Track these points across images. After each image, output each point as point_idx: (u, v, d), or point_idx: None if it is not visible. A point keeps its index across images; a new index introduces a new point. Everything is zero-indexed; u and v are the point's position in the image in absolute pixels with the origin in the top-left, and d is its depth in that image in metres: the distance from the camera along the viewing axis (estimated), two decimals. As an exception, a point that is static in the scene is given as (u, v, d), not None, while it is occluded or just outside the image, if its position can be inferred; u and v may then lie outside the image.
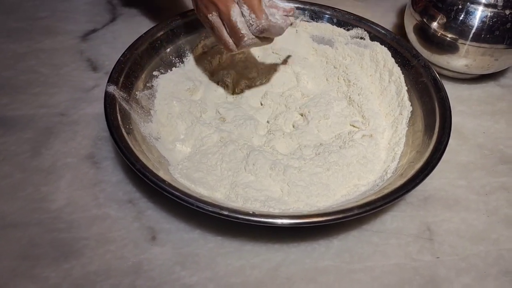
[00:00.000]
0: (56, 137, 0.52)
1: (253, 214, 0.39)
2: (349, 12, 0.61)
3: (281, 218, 0.39)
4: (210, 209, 0.39)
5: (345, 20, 0.61)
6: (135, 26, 0.68)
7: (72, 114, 0.55)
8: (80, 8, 0.72)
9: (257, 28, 0.46)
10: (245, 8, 0.46)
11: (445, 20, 0.57)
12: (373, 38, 0.59)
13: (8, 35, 0.66)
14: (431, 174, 0.43)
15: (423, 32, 0.60)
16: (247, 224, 0.41)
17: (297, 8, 0.62)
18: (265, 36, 0.48)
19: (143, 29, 0.65)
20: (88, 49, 0.64)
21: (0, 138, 0.52)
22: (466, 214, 0.47)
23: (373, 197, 0.41)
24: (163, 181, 0.41)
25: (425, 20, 0.59)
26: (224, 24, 0.48)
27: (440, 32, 0.58)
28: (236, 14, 0.46)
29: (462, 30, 0.56)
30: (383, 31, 0.58)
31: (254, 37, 0.47)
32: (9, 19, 0.68)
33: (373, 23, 0.59)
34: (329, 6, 0.62)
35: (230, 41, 0.48)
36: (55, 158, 0.50)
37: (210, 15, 0.48)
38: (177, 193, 0.40)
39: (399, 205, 0.48)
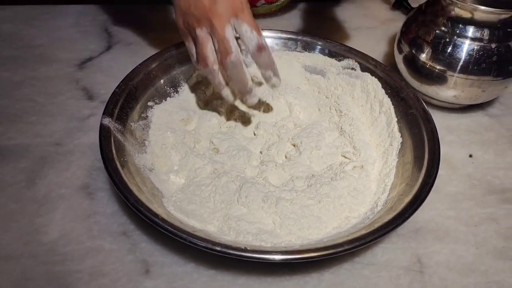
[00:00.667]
0: (50, 167, 0.53)
1: (245, 250, 0.40)
2: (341, 43, 0.63)
3: (273, 254, 0.40)
4: (203, 244, 0.40)
5: (336, 51, 0.62)
6: (131, 54, 0.69)
7: (67, 144, 0.56)
8: (76, 36, 0.73)
9: (257, 43, 0.47)
10: (245, 26, 0.47)
11: (433, 52, 0.59)
12: (364, 69, 0.60)
13: (3, 63, 0.66)
14: (421, 207, 0.44)
15: (412, 63, 0.62)
16: (234, 259, 0.41)
17: (290, 38, 0.64)
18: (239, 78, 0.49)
19: (138, 57, 0.66)
20: (84, 78, 0.65)
21: (-5, 168, 0.52)
22: (456, 246, 0.48)
23: (364, 232, 0.42)
24: (157, 215, 0.41)
25: (414, 52, 0.61)
26: (212, 40, 0.48)
27: (429, 63, 0.60)
28: (230, 31, 0.47)
29: (450, 62, 0.58)
30: (373, 62, 0.60)
31: (240, 59, 0.48)
32: (5, 47, 0.69)
33: (363, 54, 0.61)
34: (321, 37, 0.63)
35: (211, 56, 0.48)
36: (49, 189, 0.51)
37: (200, 29, 0.48)
38: (170, 228, 0.41)
39: (390, 237, 0.48)
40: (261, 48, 0.48)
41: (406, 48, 0.62)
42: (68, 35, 0.73)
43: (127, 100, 0.53)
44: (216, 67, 0.49)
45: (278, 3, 0.77)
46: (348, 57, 0.61)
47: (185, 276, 0.44)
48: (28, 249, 0.45)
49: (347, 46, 0.62)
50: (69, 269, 0.44)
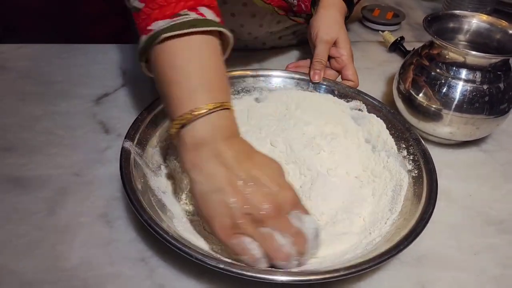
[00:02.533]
0: (71, 196, 0.55)
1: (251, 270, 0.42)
2: (349, 86, 0.68)
3: (282, 275, 0.42)
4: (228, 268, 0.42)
5: (345, 93, 0.67)
6: (144, 91, 0.73)
7: (86, 175, 0.58)
8: (93, 73, 0.77)
9: (317, 230, 0.45)
10: (304, 215, 0.45)
11: (429, 92, 0.63)
12: (370, 110, 0.64)
13: (25, 98, 0.70)
14: (423, 234, 0.47)
15: (409, 101, 0.66)
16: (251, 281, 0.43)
17: (303, 79, 0.68)
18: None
19: (151, 94, 0.71)
20: (100, 112, 0.69)
21: (17, 197, 0.55)
22: (457, 274, 0.50)
23: (361, 260, 0.44)
24: (176, 239, 0.44)
25: (411, 91, 0.65)
26: (282, 236, 0.43)
27: (426, 102, 0.64)
28: (294, 223, 0.44)
29: (445, 102, 0.62)
30: (379, 104, 0.64)
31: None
32: (26, 83, 0.73)
33: (370, 96, 0.65)
34: (330, 79, 0.68)
35: (291, 250, 0.43)
36: (70, 217, 0.53)
37: (263, 228, 0.43)
38: (191, 252, 0.43)
39: (395, 264, 0.51)
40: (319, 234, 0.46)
41: (403, 88, 0.67)
42: (85, 72, 0.77)
43: (147, 127, 0.57)
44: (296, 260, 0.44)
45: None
46: (355, 99, 0.66)
47: (201, 300, 0.46)
48: (50, 276, 0.47)
49: (355, 88, 0.67)
50: (89, 294, 0.46)
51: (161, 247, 0.50)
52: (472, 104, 0.61)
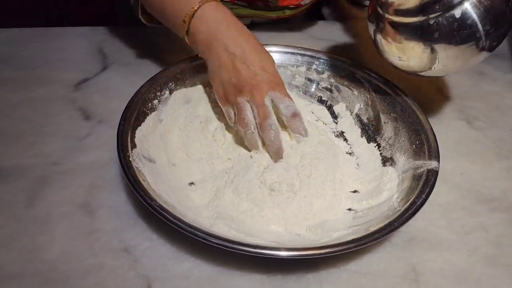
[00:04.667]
0: (50, 186, 0.54)
1: (244, 244, 0.42)
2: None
3: (272, 250, 0.43)
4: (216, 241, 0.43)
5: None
6: (126, 75, 0.71)
7: (66, 163, 0.56)
8: (73, 57, 0.74)
9: (293, 111, 0.54)
10: (281, 96, 0.54)
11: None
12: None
13: (2, 84, 0.67)
14: (414, 217, 0.46)
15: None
16: (240, 254, 0.43)
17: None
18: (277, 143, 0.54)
19: (134, 77, 0.68)
20: (80, 98, 0.66)
21: (-5, 188, 0.53)
22: (449, 254, 0.50)
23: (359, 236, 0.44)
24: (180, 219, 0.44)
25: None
26: (251, 106, 0.54)
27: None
28: (268, 100, 0.54)
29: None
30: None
31: (276, 123, 0.54)
32: (2, 69, 0.70)
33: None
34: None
35: (251, 119, 0.54)
36: (49, 208, 0.51)
37: (240, 97, 0.54)
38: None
39: (385, 246, 0.50)
40: (296, 115, 0.55)
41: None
42: (64, 56, 0.74)
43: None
44: (255, 129, 0.54)
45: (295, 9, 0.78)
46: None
47: (187, 290, 0.45)
48: (30, 268, 0.46)
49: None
50: (71, 286, 0.44)
51: (145, 236, 0.49)
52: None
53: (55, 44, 0.77)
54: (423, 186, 0.49)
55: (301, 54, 0.67)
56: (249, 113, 0.54)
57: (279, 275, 0.46)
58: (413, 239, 0.51)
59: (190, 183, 0.54)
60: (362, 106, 0.63)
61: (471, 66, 0.56)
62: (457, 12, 0.50)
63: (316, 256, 0.43)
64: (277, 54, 0.66)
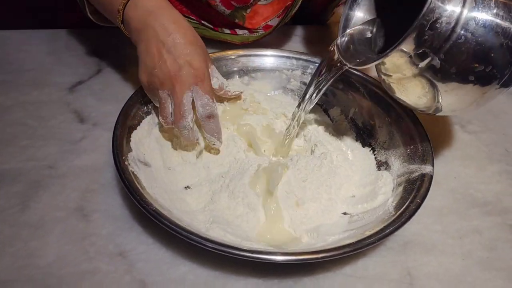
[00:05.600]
0: (44, 190, 0.53)
1: (240, 249, 0.42)
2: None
3: (261, 254, 0.42)
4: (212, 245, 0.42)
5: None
6: (121, 77, 0.70)
7: (61, 167, 0.56)
8: (66, 60, 0.73)
9: (209, 112, 0.53)
10: (201, 93, 0.52)
11: None
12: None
13: (-6, 88, 0.67)
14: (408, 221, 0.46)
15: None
16: (236, 258, 0.42)
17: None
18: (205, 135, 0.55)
19: (128, 80, 0.68)
20: (74, 101, 0.66)
21: (-12, 193, 0.52)
22: (443, 258, 0.50)
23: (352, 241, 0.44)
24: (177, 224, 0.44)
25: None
26: (171, 102, 0.53)
27: None
28: (187, 97, 0.52)
29: None
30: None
31: (191, 124, 0.53)
32: (-4, 72, 0.70)
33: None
34: None
35: (169, 117, 0.53)
36: (44, 212, 0.51)
37: (162, 91, 0.53)
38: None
39: (380, 250, 0.50)
40: (211, 116, 0.54)
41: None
42: (58, 59, 0.74)
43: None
44: (171, 126, 0.54)
45: (258, 34, 0.78)
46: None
47: (183, 295, 0.44)
48: (24, 273, 0.45)
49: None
50: (65, 292, 0.44)
51: (140, 240, 0.48)
52: None
53: (47, 46, 0.76)
54: (418, 190, 0.49)
55: (296, 58, 0.67)
56: (169, 109, 0.53)
57: (275, 279, 0.46)
58: (408, 243, 0.51)
59: (185, 187, 0.54)
60: (357, 110, 0.63)
61: (483, 103, 0.49)
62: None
63: (312, 261, 0.43)
64: (272, 58, 0.66)
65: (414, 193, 0.49)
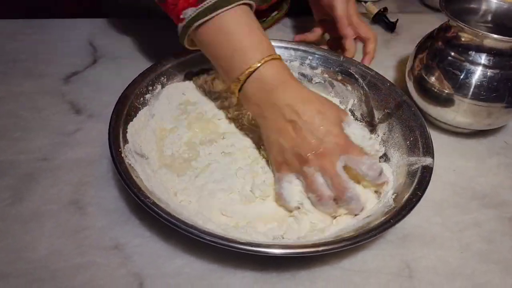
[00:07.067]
0: (37, 183, 0.52)
1: (238, 242, 0.41)
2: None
3: (263, 247, 0.42)
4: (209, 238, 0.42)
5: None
6: (117, 68, 0.69)
7: (54, 159, 0.55)
8: (61, 50, 0.72)
9: (378, 171, 0.49)
10: (357, 161, 0.48)
11: (443, 76, 0.59)
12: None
13: (-14, 78, 0.66)
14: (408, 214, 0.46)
15: (421, 85, 0.62)
16: (233, 251, 0.42)
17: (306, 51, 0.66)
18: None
19: (124, 71, 0.67)
20: (69, 92, 0.65)
21: (-20, 185, 0.51)
22: (442, 251, 0.49)
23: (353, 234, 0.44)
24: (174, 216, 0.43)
25: (423, 75, 0.61)
26: (322, 176, 0.48)
27: (438, 87, 0.59)
28: (340, 167, 0.47)
29: (460, 88, 0.58)
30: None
31: (356, 191, 0.48)
32: (-13, 62, 0.68)
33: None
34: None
35: (326, 192, 0.48)
36: (36, 205, 0.50)
37: (307, 167, 0.48)
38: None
39: (379, 243, 0.49)
40: (382, 171, 0.50)
41: (416, 71, 0.62)
42: (52, 49, 0.72)
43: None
44: (331, 200, 0.48)
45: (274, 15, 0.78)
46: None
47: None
48: (16, 267, 0.44)
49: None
50: (59, 286, 0.43)
51: (135, 233, 0.48)
52: (491, 92, 0.57)
53: (43, 36, 0.75)
54: (418, 183, 0.48)
55: (294, 49, 0.66)
56: (322, 185, 0.48)
57: (273, 272, 0.46)
58: (407, 236, 0.50)
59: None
60: (355, 101, 0.62)
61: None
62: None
63: (311, 254, 0.43)
64: None
65: (414, 185, 0.48)
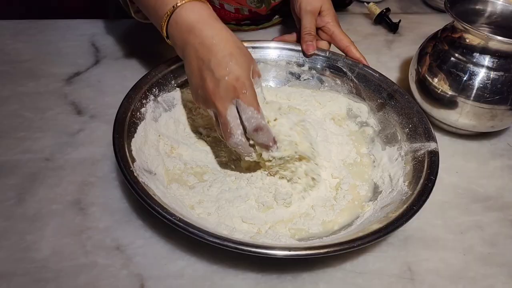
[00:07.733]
0: (41, 183, 0.52)
1: (242, 243, 0.41)
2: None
3: (272, 249, 0.42)
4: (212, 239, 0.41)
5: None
6: (119, 68, 0.69)
7: (58, 159, 0.55)
8: (64, 51, 0.72)
9: (255, 125, 0.48)
10: (245, 107, 0.48)
11: (446, 78, 0.59)
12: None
13: (-10, 79, 0.66)
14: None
15: (424, 86, 0.62)
16: (236, 252, 0.42)
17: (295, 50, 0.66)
18: (256, 146, 0.50)
19: (126, 71, 0.67)
20: (72, 92, 0.65)
21: (-17, 185, 0.51)
22: (444, 253, 0.49)
23: (358, 235, 0.43)
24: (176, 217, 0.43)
25: (427, 76, 0.61)
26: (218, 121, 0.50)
27: (441, 89, 0.59)
28: (231, 113, 0.48)
29: (464, 90, 0.58)
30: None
31: (243, 139, 0.49)
32: (-9, 62, 0.69)
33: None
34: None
35: (220, 133, 0.51)
36: (40, 205, 0.50)
37: (209, 110, 0.51)
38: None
39: (381, 245, 0.49)
40: (259, 128, 0.48)
41: (419, 72, 0.62)
42: (55, 49, 0.73)
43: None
44: (233, 141, 0.50)
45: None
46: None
47: (181, 289, 0.44)
48: (20, 267, 0.44)
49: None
50: (62, 286, 0.43)
51: (138, 234, 0.48)
52: (494, 94, 0.57)
53: (45, 37, 0.75)
54: (429, 167, 0.49)
55: (280, 48, 0.66)
56: (218, 126, 0.50)
57: (274, 274, 0.46)
58: (409, 238, 0.50)
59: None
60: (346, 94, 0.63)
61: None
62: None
63: (314, 256, 0.43)
64: (255, 49, 0.65)
65: (426, 170, 0.49)
